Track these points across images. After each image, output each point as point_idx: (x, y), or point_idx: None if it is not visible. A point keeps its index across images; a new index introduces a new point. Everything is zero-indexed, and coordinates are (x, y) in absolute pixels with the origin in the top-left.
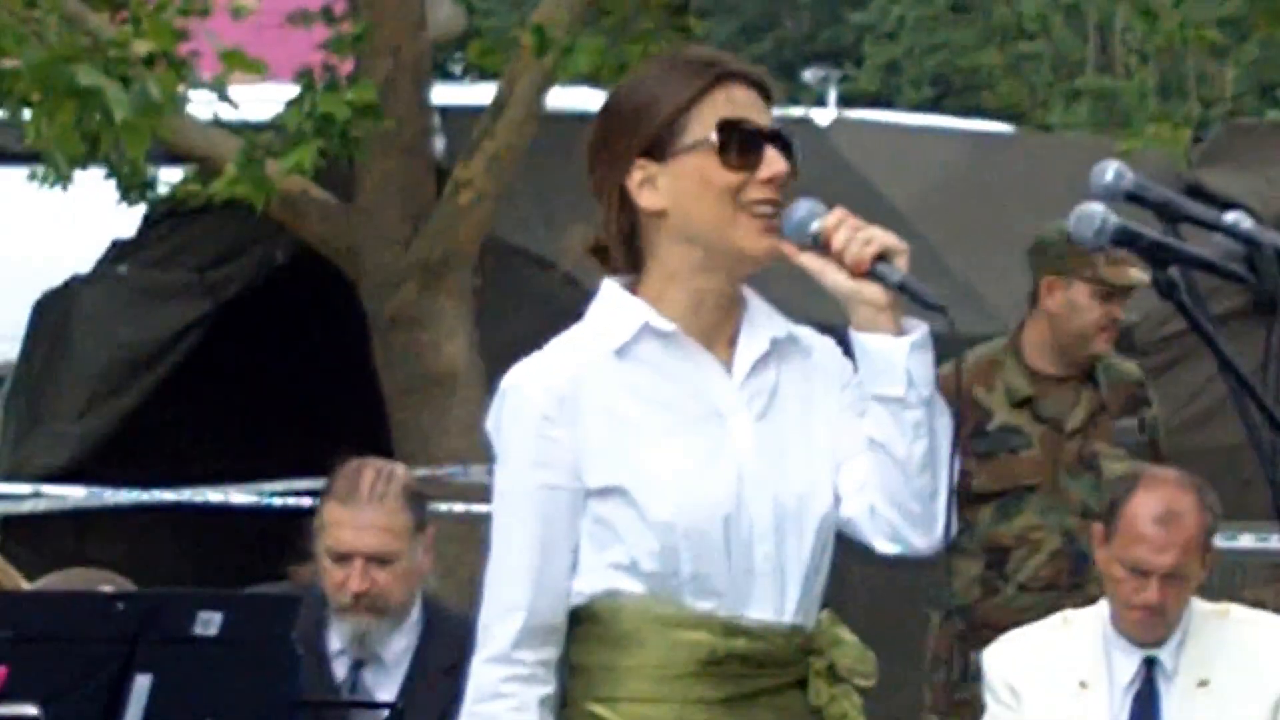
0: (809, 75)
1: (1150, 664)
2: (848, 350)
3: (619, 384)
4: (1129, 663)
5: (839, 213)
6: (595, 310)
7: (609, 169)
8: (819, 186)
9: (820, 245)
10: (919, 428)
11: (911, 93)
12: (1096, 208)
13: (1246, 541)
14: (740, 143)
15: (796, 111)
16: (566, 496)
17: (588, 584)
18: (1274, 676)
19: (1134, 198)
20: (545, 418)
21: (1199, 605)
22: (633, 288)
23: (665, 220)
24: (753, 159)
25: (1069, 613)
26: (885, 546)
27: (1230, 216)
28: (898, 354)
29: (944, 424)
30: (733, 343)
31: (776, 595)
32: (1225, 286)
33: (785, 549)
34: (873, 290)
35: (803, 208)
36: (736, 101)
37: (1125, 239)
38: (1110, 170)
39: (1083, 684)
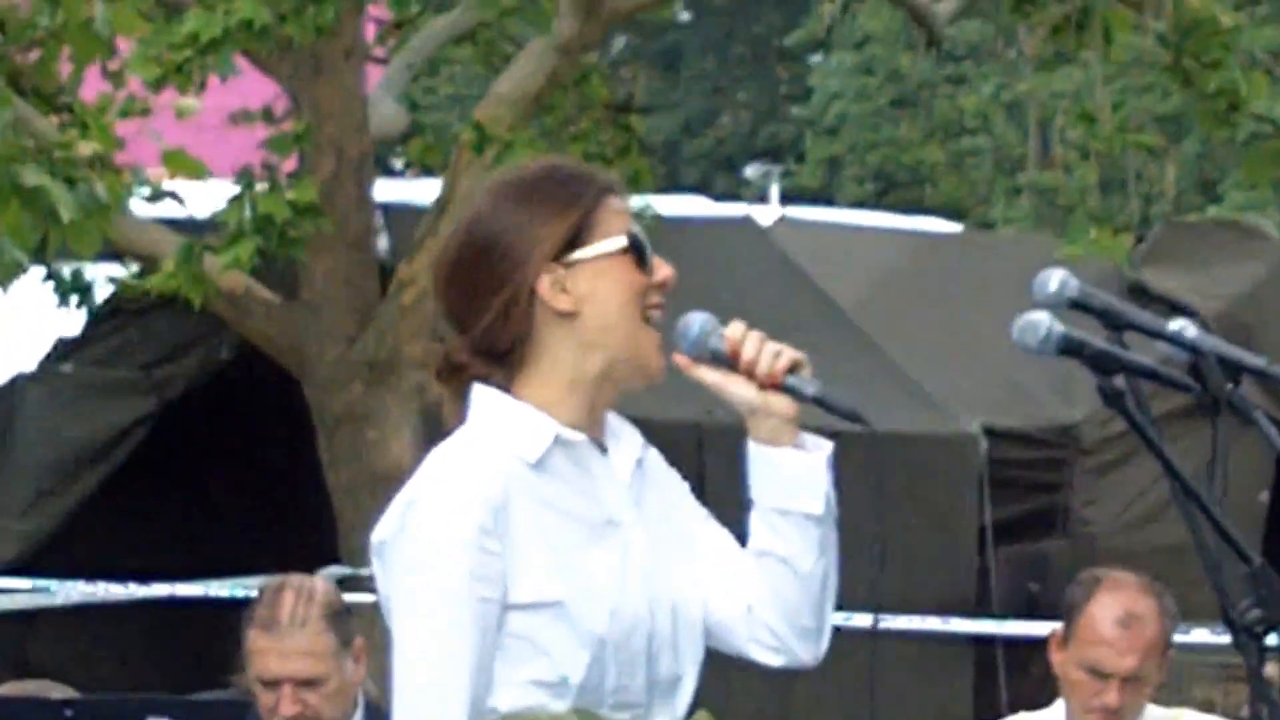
0: (750, 171)
1: None
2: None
3: (539, 496)
4: None
5: (740, 326)
6: (490, 420)
7: (510, 273)
8: (762, 286)
9: (719, 359)
10: (824, 542)
11: (853, 188)
12: (1041, 317)
13: (1199, 635)
14: (641, 249)
15: (739, 209)
16: (496, 610)
17: (504, 700)
18: None
19: (1078, 305)
20: (484, 530)
21: (1151, 710)
22: (512, 393)
23: (572, 324)
24: (649, 265)
25: (1024, 715)
26: (767, 658)
27: (1175, 324)
28: (817, 472)
29: (834, 538)
30: (603, 447)
31: (674, 700)
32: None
33: (681, 655)
34: (781, 403)
35: (697, 322)
36: (623, 210)
37: (1070, 348)
38: (1054, 279)
39: None
